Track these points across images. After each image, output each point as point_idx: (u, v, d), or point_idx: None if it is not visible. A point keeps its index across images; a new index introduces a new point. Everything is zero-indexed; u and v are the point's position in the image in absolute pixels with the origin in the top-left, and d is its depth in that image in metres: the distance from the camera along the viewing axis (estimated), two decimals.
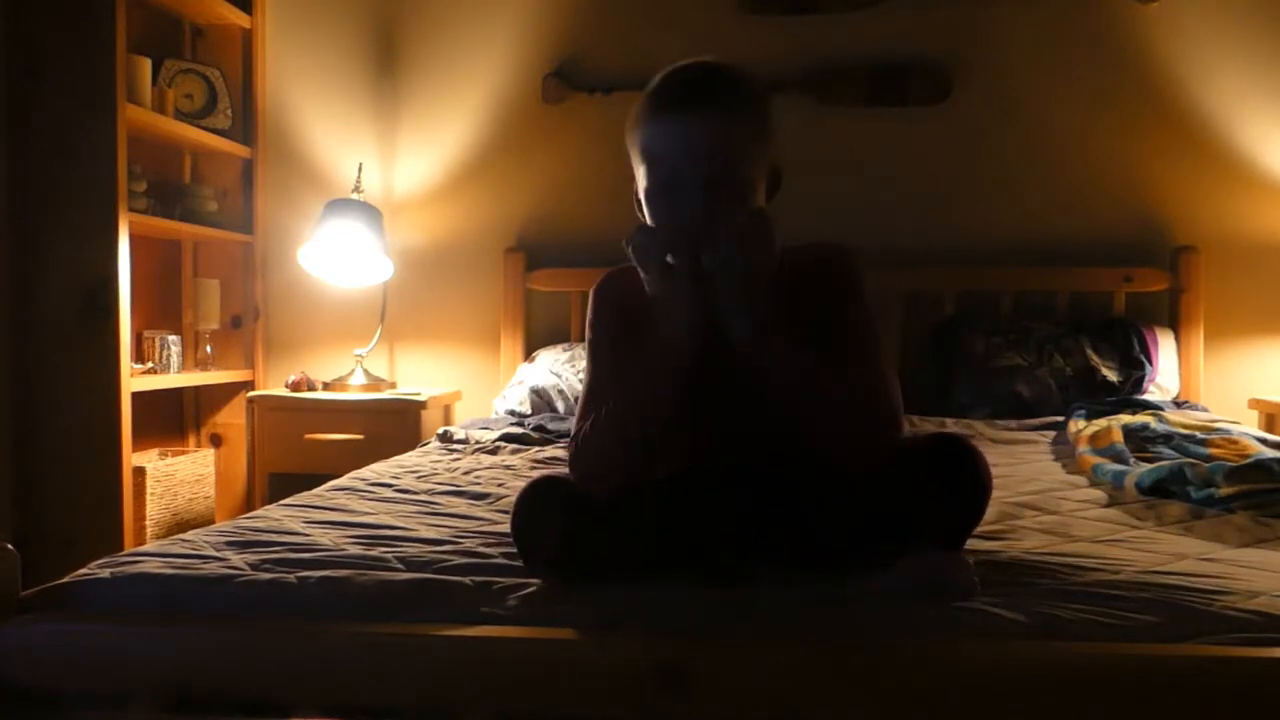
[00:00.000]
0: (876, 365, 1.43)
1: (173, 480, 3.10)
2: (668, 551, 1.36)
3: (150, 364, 3.13)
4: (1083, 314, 3.15)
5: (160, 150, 3.30)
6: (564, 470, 1.49)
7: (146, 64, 3.00)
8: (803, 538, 1.39)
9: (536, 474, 1.63)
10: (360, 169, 3.29)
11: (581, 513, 1.38)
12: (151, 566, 1.40)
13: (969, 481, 1.37)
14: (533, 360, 3.17)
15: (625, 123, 1.45)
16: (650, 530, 1.37)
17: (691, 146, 1.37)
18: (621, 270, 1.55)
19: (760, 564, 1.37)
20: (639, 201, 1.46)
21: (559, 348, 3.18)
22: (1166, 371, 3.01)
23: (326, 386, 3.24)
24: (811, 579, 1.32)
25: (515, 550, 1.47)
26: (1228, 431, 2.34)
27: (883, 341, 1.51)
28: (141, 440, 3.07)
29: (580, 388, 3.00)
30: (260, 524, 1.69)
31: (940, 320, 3.15)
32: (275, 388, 3.38)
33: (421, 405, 3.09)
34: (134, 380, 2.89)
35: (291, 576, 1.36)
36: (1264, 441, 2.25)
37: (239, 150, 3.40)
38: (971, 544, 1.44)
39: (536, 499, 1.42)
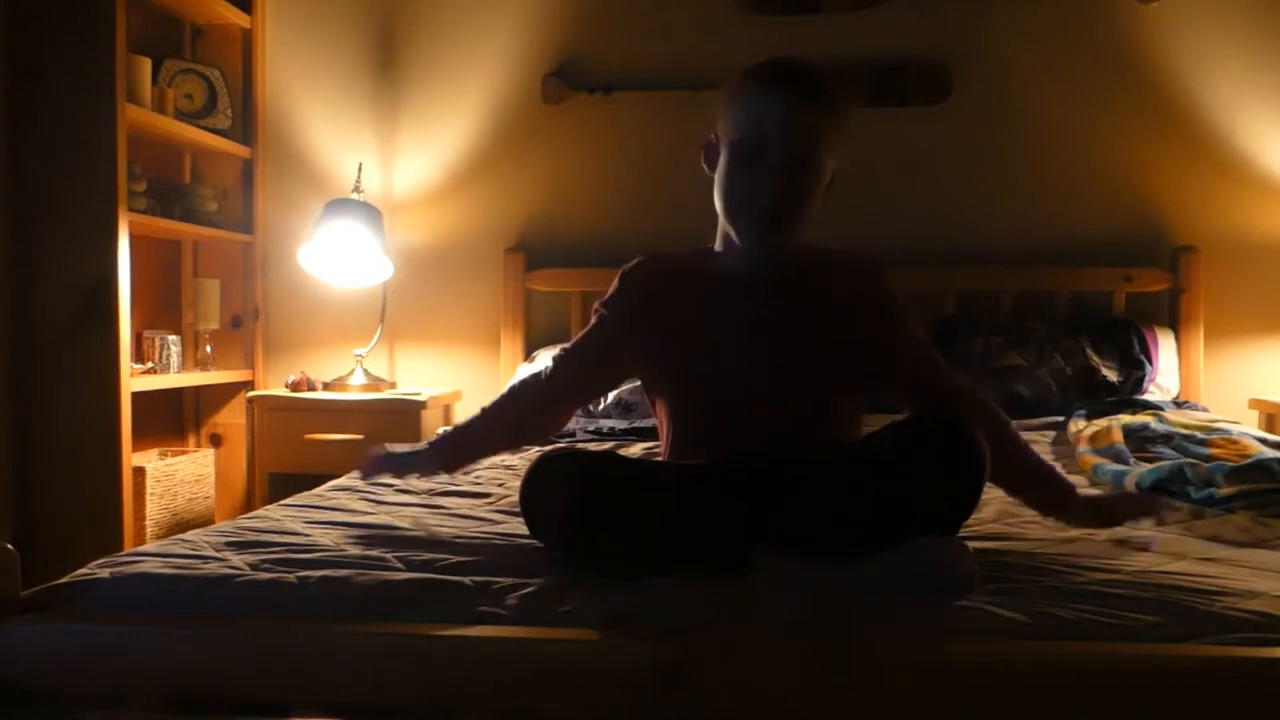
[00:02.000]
0: (946, 369, 1.65)
1: (173, 480, 3.10)
2: (670, 534, 1.37)
3: (150, 364, 3.13)
4: (1083, 314, 3.15)
5: (160, 150, 3.30)
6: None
7: (146, 64, 3.00)
8: (803, 525, 1.41)
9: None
10: (360, 169, 3.29)
11: (589, 486, 1.40)
12: (151, 566, 1.40)
13: (966, 461, 1.39)
14: (533, 360, 3.18)
15: (729, 79, 1.59)
16: (656, 511, 1.39)
17: (784, 125, 1.50)
18: (654, 257, 1.73)
19: (761, 555, 1.38)
20: (708, 151, 1.61)
21: (559, 348, 3.17)
22: (1166, 371, 3.01)
23: (326, 386, 3.24)
24: (812, 567, 1.33)
25: (520, 536, 1.52)
26: (1228, 431, 2.34)
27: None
28: (141, 440, 3.07)
29: None
30: (260, 524, 1.69)
31: (940, 320, 3.14)
32: (275, 388, 3.38)
33: (421, 405, 3.09)
34: (134, 380, 2.89)
35: (291, 576, 1.36)
36: (1264, 441, 2.25)
37: (239, 150, 3.40)
38: (972, 544, 1.44)
39: (545, 470, 1.45)
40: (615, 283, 1.72)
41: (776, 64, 1.55)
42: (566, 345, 1.79)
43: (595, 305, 1.76)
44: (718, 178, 1.59)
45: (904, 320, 1.64)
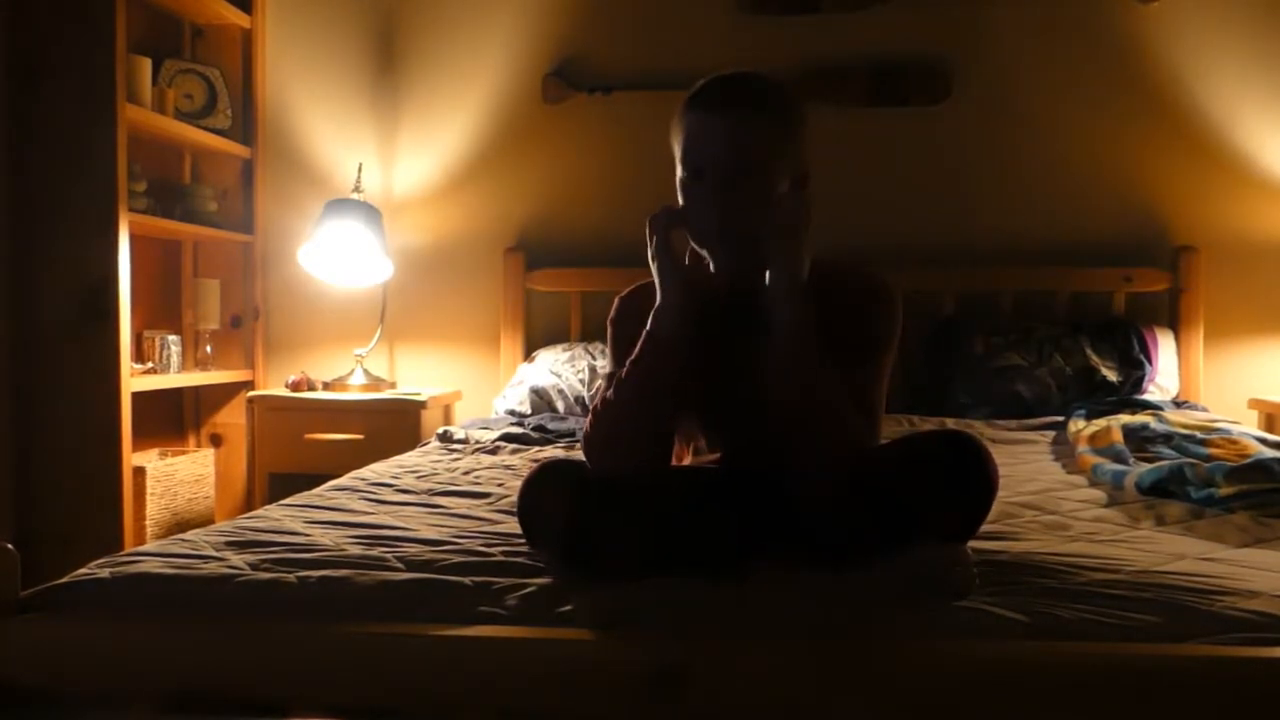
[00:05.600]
0: (868, 402, 1.52)
1: (173, 480, 3.10)
2: (669, 541, 1.36)
3: (150, 364, 3.13)
4: (1083, 314, 3.15)
5: (160, 150, 3.30)
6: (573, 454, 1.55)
7: (146, 64, 3.00)
8: (806, 532, 1.40)
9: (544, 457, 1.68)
10: (360, 169, 3.29)
11: (588, 495, 1.40)
12: (151, 566, 1.40)
13: (976, 479, 1.38)
14: (533, 360, 3.17)
15: (670, 121, 1.57)
16: (654, 518, 1.39)
17: (716, 139, 1.48)
18: (648, 283, 1.64)
19: (760, 561, 1.38)
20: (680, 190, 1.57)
21: (559, 348, 3.18)
22: (1166, 371, 3.01)
23: (326, 386, 3.24)
24: (813, 572, 1.33)
25: (520, 538, 1.50)
26: (1228, 431, 2.34)
27: (884, 389, 1.57)
28: (141, 440, 3.07)
29: (580, 388, 3.02)
30: (260, 524, 1.69)
31: (940, 320, 3.15)
32: (275, 388, 3.38)
33: (421, 405, 3.09)
34: (134, 380, 2.89)
35: (291, 576, 1.36)
36: (1264, 441, 2.25)
37: (239, 150, 3.40)
38: (972, 544, 1.44)
39: (544, 480, 1.45)
40: (616, 306, 1.66)
41: (707, 84, 1.53)
42: (602, 382, 1.64)
43: (608, 333, 1.67)
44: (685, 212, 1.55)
45: (873, 358, 1.55)
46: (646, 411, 1.48)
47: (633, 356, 1.48)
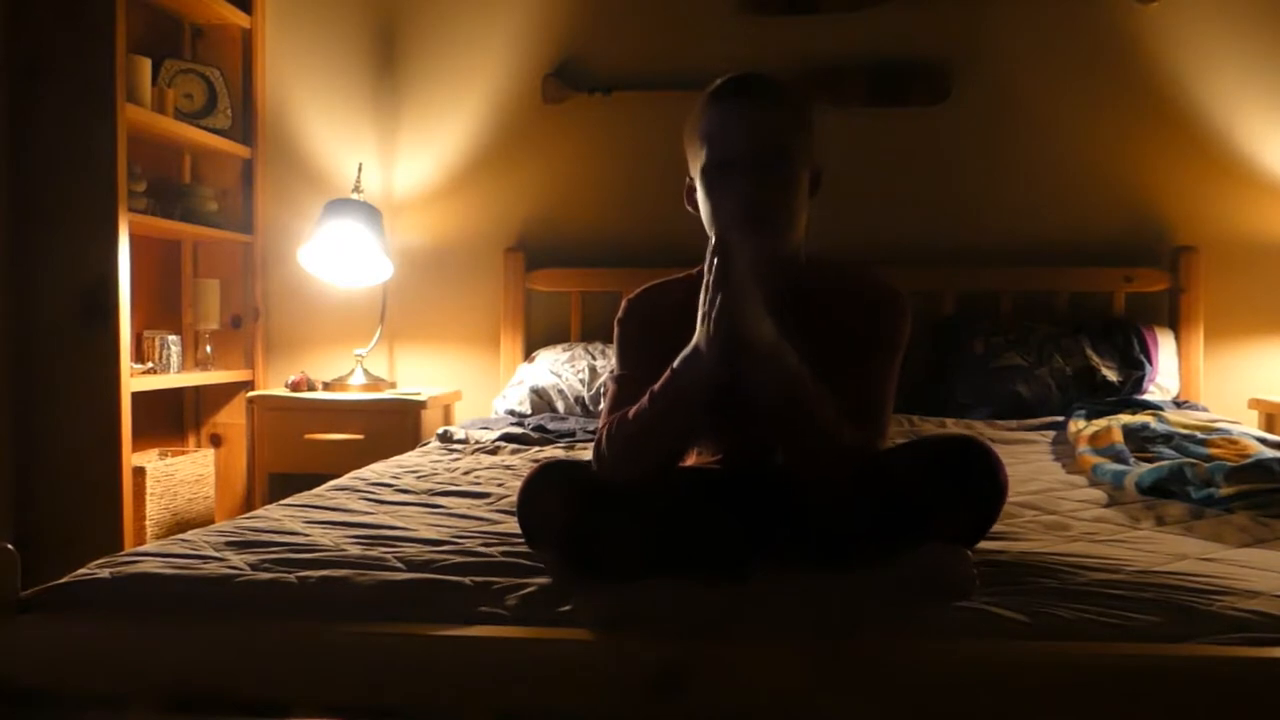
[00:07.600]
0: (874, 403, 1.51)
1: (173, 480, 3.10)
2: (671, 542, 1.36)
3: (150, 364, 3.13)
4: (1083, 314, 3.15)
5: (160, 150, 3.30)
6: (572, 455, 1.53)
7: (146, 64, 3.00)
8: (807, 533, 1.40)
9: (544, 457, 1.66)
10: (360, 169, 3.29)
11: (588, 495, 1.40)
12: (151, 566, 1.40)
13: (987, 487, 1.38)
14: (533, 360, 3.17)
15: (684, 123, 1.58)
16: (656, 518, 1.38)
17: (743, 128, 1.51)
18: (656, 286, 1.66)
19: (761, 562, 1.38)
20: (690, 194, 1.59)
21: (559, 348, 3.18)
22: (1166, 371, 3.01)
23: (326, 386, 3.24)
24: (813, 572, 1.33)
25: (520, 538, 1.50)
26: (1228, 431, 2.34)
27: (892, 392, 1.57)
28: (141, 440, 3.07)
29: (580, 388, 3.01)
30: (260, 524, 1.69)
31: (940, 320, 3.15)
32: (275, 388, 3.38)
33: (421, 405, 3.09)
34: (134, 380, 2.89)
35: (291, 576, 1.36)
36: (1264, 441, 2.25)
37: (239, 150, 3.40)
38: None
39: (544, 480, 1.44)
40: (624, 307, 1.64)
41: (724, 81, 1.56)
42: (609, 387, 1.60)
43: (615, 333, 1.66)
44: (702, 210, 1.57)
45: (880, 358, 1.55)
46: (664, 445, 1.46)
47: (655, 391, 1.43)
